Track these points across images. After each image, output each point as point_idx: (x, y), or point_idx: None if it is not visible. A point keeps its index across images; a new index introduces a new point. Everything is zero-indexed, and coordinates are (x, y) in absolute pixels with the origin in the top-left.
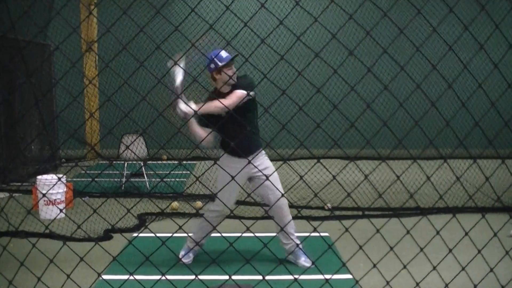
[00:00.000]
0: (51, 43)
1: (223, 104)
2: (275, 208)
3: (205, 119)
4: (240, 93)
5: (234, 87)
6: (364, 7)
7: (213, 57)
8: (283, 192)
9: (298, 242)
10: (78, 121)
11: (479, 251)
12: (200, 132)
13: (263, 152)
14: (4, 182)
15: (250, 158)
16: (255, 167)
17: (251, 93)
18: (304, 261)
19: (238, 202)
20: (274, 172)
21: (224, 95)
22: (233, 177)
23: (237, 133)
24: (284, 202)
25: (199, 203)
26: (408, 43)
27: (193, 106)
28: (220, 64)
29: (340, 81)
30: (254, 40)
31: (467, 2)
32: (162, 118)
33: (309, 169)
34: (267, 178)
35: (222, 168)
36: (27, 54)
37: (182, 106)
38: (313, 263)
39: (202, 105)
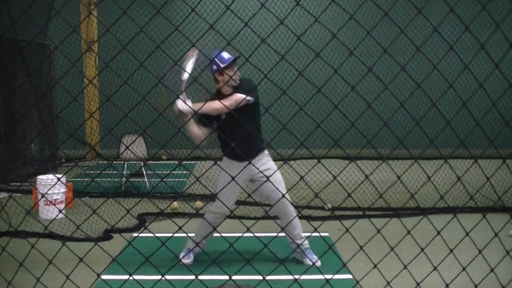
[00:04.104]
0: (51, 43)
1: (222, 105)
2: (279, 209)
3: (205, 119)
4: (238, 96)
5: (236, 89)
6: (365, 7)
7: (215, 58)
8: (284, 194)
9: (303, 242)
10: (78, 121)
11: (480, 251)
12: (195, 131)
13: (267, 154)
14: (4, 182)
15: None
16: (256, 168)
17: (249, 98)
18: (309, 261)
19: (238, 202)
20: (275, 173)
21: (225, 97)
22: (233, 178)
23: (236, 136)
24: (286, 203)
25: (199, 203)
26: (408, 43)
27: (190, 104)
28: (222, 65)
29: (340, 81)
30: (255, 40)
31: (467, 2)
32: (162, 118)
33: (309, 170)
34: (268, 178)
35: (223, 170)
36: (27, 54)
37: (179, 104)
38: (313, 264)
39: (201, 105)
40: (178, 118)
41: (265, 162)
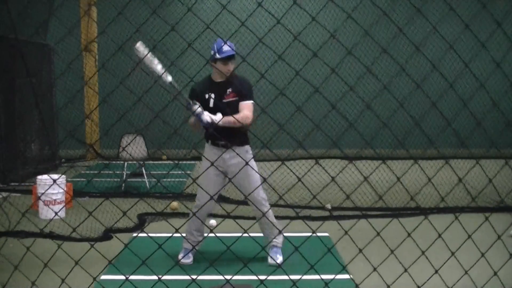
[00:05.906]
0: (50, 43)
1: (243, 118)
2: (253, 201)
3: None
4: (251, 105)
5: (239, 92)
6: (363, 6)
7: (215, 46)
8: (257, 189)
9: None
10: (77, 121)
11: (482, 254)
12: (192, 120)
13: (246, 150)
14: (4, 182)
15: (227, 149)
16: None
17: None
18: (271, 260)
19: (238, 202)
20: (250, 169)
21: (217, 85)
22: (212, 163)
23: (224, 128)
24: (262, 197)
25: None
26: (406, 43)
27: (218, 117)
28: (218, 56)
29: (339, 82)
30: (253, 40)
31: (467, 1)
32: (161, 118)
33: (308, 170)
34: (247, 163)
35: (204, 157)
36: (27, 54)
37: (207, 117)
38: (279, 264)
39: (222, 118)
40: (207, 126)
41: (243, 156)
